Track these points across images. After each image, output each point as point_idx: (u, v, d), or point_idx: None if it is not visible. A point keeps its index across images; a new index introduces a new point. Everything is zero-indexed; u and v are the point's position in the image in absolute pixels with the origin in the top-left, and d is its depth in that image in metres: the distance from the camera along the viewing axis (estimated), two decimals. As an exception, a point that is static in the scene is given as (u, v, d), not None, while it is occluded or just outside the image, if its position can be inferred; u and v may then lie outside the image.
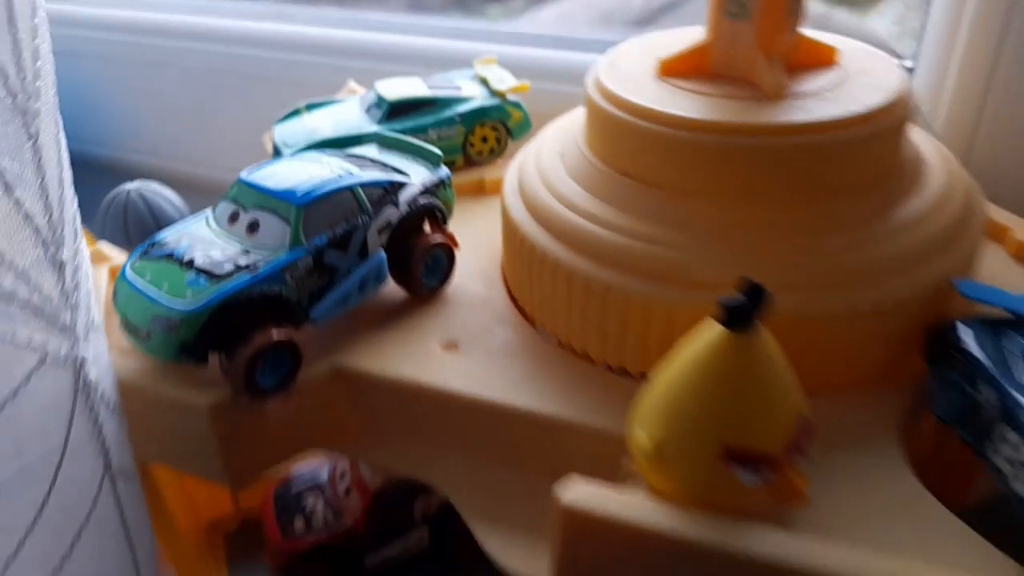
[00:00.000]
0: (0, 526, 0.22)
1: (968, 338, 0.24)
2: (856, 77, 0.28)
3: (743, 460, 0.21)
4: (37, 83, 0.22)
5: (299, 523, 0.41)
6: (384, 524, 0.41)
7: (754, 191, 0.26)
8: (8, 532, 0.23)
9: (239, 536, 0.45)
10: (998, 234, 0.32)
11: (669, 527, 0.21)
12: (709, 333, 0.21)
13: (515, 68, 0.43)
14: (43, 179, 0.21)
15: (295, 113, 0.40)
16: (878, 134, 0.26)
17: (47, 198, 0.21)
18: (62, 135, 0.24)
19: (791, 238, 0.25)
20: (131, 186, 0.34)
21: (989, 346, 0.24)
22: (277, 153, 0.38)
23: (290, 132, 0.38)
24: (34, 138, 0.21)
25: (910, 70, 0.41)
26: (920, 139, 0.30)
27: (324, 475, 0.43)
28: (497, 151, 0.41)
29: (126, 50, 0.56)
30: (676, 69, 0.28)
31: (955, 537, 0.21)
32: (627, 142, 0.27)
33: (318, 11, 0.57)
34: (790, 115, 0.26)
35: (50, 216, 0.22)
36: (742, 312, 0.20)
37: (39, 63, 0.22)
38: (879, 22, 0.47)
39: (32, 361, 0.22)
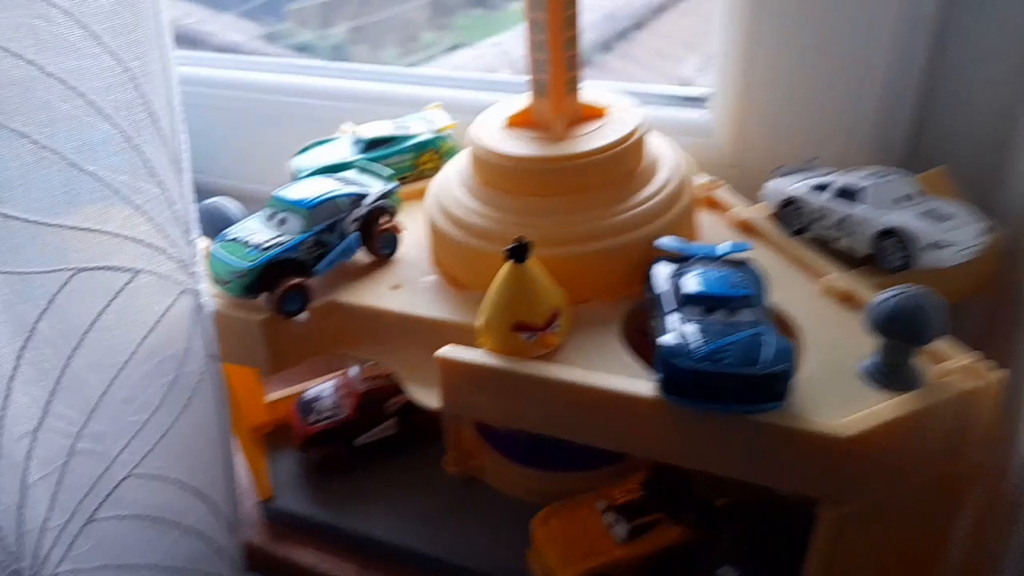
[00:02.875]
0: (143, 400, 0.43)
1: (656, 269, 0.45)
2: (612, 123, 0.49)
3: (524, 328, 0.43)
4: (175, 125, 0.43)
5: (312, 416, 0.63)
6: (367, 416, 0.63)
7: (548, 190, 0.47)
8: (146, 404, 0.44)
9: (271, 436, 0.67)
10: (723, 209, 0.53)
11: (491, 363, 0.42)
12: (506, 264, 0.42)
13: (461, 106, 0.64)
14: (180, 185, 0.43)
15: (306, 149, 0.62)
16: (617, 155, 0.47)
17: (182, 198, 0.43)
18: (187, 161, 0.45)
19: (568, 214, 0.46)
20: (213, 200, 0.56)
21: (666, 275, 0.44)
22: (297, 176, 0.60)
23: (303, 162, 0.60)
24: (176, 162, 0.43)
25: (705, 100, 0.62)
26: (662, 148, 0.51)
27: (329, 387, 0.65)
28: (437, 169, 0.62)
29: (202, 99, 0.78)
30: (514, 122, 0.50)
31: (631, 368, 0.43)
32: (484, 167, 0.49)
33: (327, 65, 0.79)
34: (568, 149, 0.47)
35: (183, 208, 0.44)
36: (517, 253, 0.42)
37: (176, 110, 0.43)
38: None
39: (177, 290, 0.44)
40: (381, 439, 0.63)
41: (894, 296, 0.36)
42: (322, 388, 0.65)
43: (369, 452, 0.63)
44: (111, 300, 0.41)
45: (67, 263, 0.38)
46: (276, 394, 0.67)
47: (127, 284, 0.41)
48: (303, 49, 1.26)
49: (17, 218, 0.35)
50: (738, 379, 0.36)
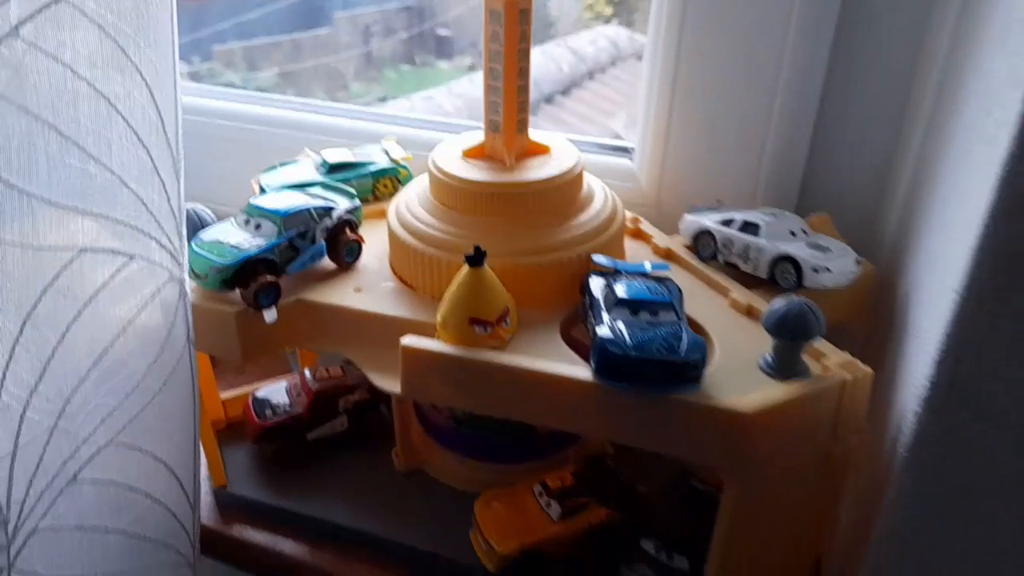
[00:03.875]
0: (127, 373, 0.48)
1: (591, 280, 0.53)
2: (555, 159, 0.57)
3: (478, 322, 0.49)
4: (178, 131, 0.48)
5: (267, 412, 0.67)
6: (319, 413, 0.68)
7: (499, 212, 0.54)
8: (130, 377, 0.48)
9: (223, 433, 0.71)
10: (646, 239, 0.62)
11: (450, 351, 0.49)
12: (463, 268, 0.49)
13: (407, 141, 0.71)
14: (177, 184, 0.48)
15: (272, 168, 0.68)
16: (559, 185, 0.55)
17: (177, 196, 0.48)
18: (182, 164, 0.50)
19: (515, 231, 0.54)
20: (190, 205, 0.60)
21: (601, 284, 0.52)
22: (262, 191, 0.65)
23: (270, 179, 0.66)
24: (176, 164, 0.48)
25: (630, 151, 0.71)
26: (596, 184, 0.59)
27: (282, 387, 0.70)
28: (392, 194, 0.69)
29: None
30: (470, 154, 0.57)
31: (570, 358, 0.49)
32: (443, 188, 0.56)
33: (289, 99, 0.85)
34: (517, 177, 0.54)
35: (177, 205, 0.49)
36: (474, 259, 0.48)
37: (179, 117, 0.48)
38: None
39: (165, 277, 0.49)
40: (332, 435, 0.67)
41: (784, 304, 0.45)
42: (276, 387, 0.69)
43: (321, 447, 0.67)
44: (107, 281, 0.45)
45: (76, 243, 0.43)
46: (229, 393, 0.70)
47: (123, 267, 0.46)
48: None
49: (42, 198, 0.40)
50: (661, 364, 0.44)
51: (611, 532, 0.58)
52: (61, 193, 0.41)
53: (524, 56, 0.53)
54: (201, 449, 0.61)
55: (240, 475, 0.66)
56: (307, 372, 0.70)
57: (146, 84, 0.44)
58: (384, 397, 0.69)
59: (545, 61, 1.87)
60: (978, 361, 0.38)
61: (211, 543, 0.63)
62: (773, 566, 0.51)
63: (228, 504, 0.65)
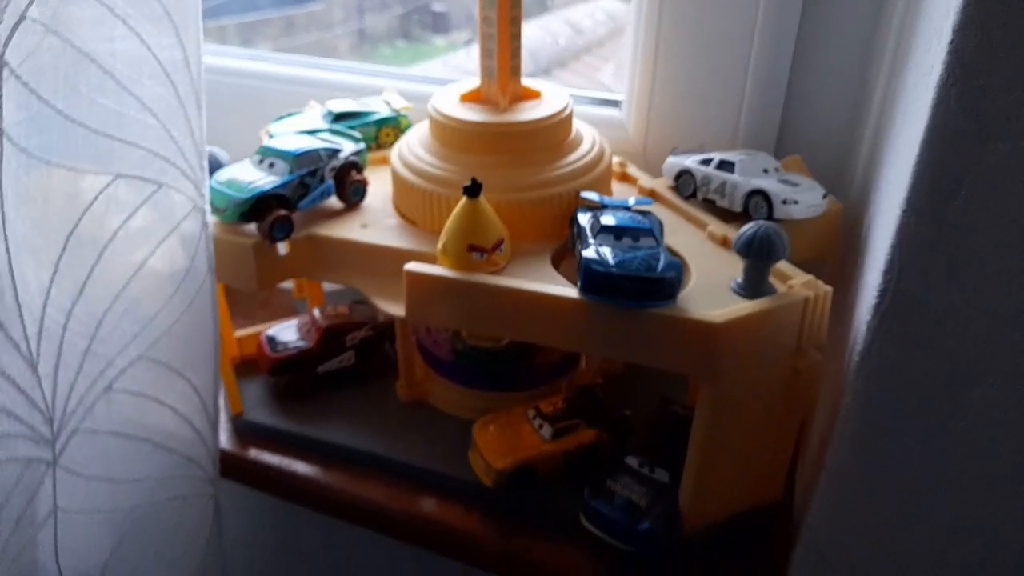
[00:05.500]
0: (155, 295, 0.53)
1: (579, 214, 0.57)
2: (546, 103, 0.61)
3: (476, 249, 0.54)
4: (200, 70, 0.52)
5: (279, 346, 0.72)
6: (328, 348, 0.72)
7: (494, 150, 0.59)
8: (158, 298, 0.53)
9: (240, 367, 0.76)
10: (632, 181, 0.66)
11: (450, 275, 0.53)
12: (461, 199, 0.54)
13: (406, 94, 0.76)
14: (200, 120, 0.52)
15: (281, 118, 0.72)
16: (549, 126, 0.59)
17: (200, 130, 0.53)
18: (204, 101, 0.55)
19: (509, 169, 0.58)
20: (208, 147, 0.65)
21: (588, 216, 0.57)
22: (271, 138, 0.69)
23: (278, 127, 0.70)
24: (199, 100, 0.52)
25: (619, 103, 0.75)
26: (586, 128, 0.64)
27: (293, 324, 0.75)
28: (394, 141, 0.73)
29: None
30: (467, 98, 0.62)
31: (559, 281, 0.54)
32: (443, 130, 0.60)
33: (298, 57, 0.89)
34: (511, 118, 0.59)
35: (200, 139, 0.53)
36: (471, 190, 0.53)
37: (201, 57, 0.53)
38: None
39: (189, 206, 0.53)
40: (340, 369, 0.72)
41: (752, 227, 0.49)
42: (287, 325, 0.74)
43: (330, 379, 0.72)
44: (139, 206, 0.50)
45: (112, 169, 0.47)
46: (243, 331, 0.75)
47: (152, 194, 0.50)
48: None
49: (80, 123, 0.44)
50: (640, 280, 0.48)
51: (599, 451, 0.63)
52: (99, 121, 0.46)
53: (516, 5, 0.58)
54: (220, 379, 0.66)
55: (255, 404, 0.71)
56: (316, 311, 0.74)
57: (173, 24, 0.48)
58: (389, 334, 0.74)
59: (542, 35, 1.91)
60: (921, 270, 0.43)
61: (230, 466, 0.67)
62: (745, 477, 0.56)
63: (245, 431, 0.70)
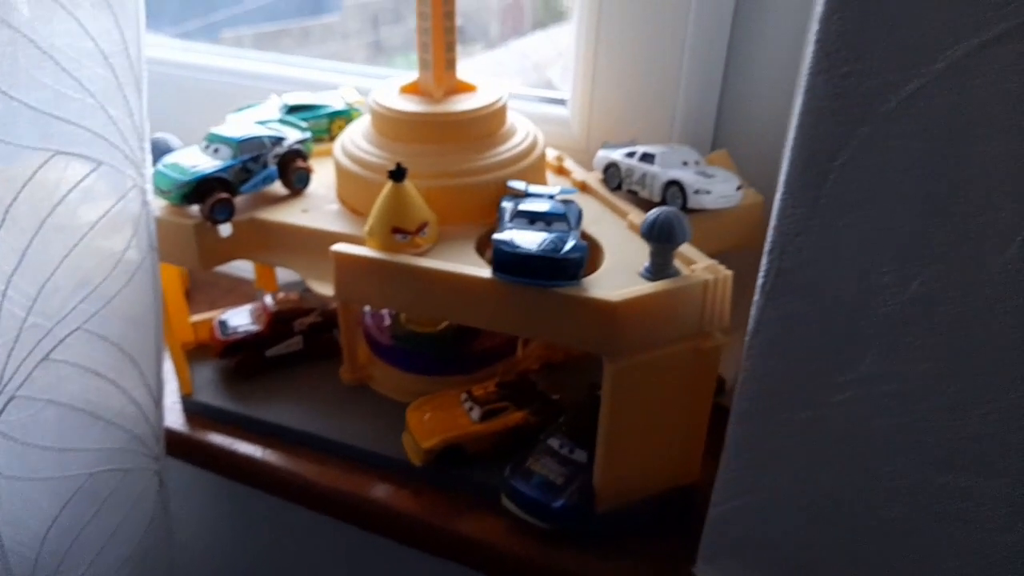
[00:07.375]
0: (95, 269, 0.56)
1: (503, 201, 0.60)
2: (480, 95, 0.64)
3: (399, 231, 0.57)
4: (140, 53, 0.56)
5: (230, 330, 0.75)
6: (277, 332, 0.75)
7: (428, 139, 0.62)
8: (97, 272, 0.56)
9: (194, 351, 0.79)
10: (567, 174, 0.69)
11: (374, 255, 0.56)
12: (387, 184, 0.57)
13: (363, 90, 0.79)
14: (140, 103, 0.56)
15: (240, 109, 0.76)
16: (481, 117, 0.62)
17: (140, 113, 0.56)
18: (144, 85, 0.58)
19: (441, 156, 0.61)
20: (159, 134, 0.68)
21: (511, 204, 0.59)
22: (228, 129, 0.73)
23: (236, 118, 0.73)
24: (138, 84, 0.55)
25: (564, 101, 0.78)
26: (522, 121, 0.67)
27: (244, 310, 0.78)
28: (347, 135, 0.76)
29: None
30: (406, 90, 0.65)
31: (480, 264, 0.57)
32: (381, 119, 0.63)
33: (260, 54, 0.92)
34: (444, 108, 0.62)
35: (140, 122, 0.56)
36: (396, 174, 0.56)
37: (141, 43, 0.56)
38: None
39: (130, 184, 0.56)
40: (288, 353, 0.75)
41: (655, 213, 0.52)
42: (239, 311, 0.77)
43: (279, 363, 0.75)
44: (79, 181, 0.53)
45: (51, 146, 0.50)
46: (198, 316, 0.78)
47: (92, 171, 0.53)
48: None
49: (19, 101, 0.48)
50: (544, 260, 0.51)
51: (525, 432, 0.65)
52: (38, 100, 0.49)
53: (450, 0, 0.61)
54: (167, 354, 0.69)
55: (205, 385, 0.74)
56: (268, 297, 0.77)
57: (112, 11, 0.51)
58: (337, 321, 0.76)
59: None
60: (798, 250, 0.45)
61: (178, 445, 0.70)
62: (657, 457, 0.58)
63: (194, 411, 0.73)
